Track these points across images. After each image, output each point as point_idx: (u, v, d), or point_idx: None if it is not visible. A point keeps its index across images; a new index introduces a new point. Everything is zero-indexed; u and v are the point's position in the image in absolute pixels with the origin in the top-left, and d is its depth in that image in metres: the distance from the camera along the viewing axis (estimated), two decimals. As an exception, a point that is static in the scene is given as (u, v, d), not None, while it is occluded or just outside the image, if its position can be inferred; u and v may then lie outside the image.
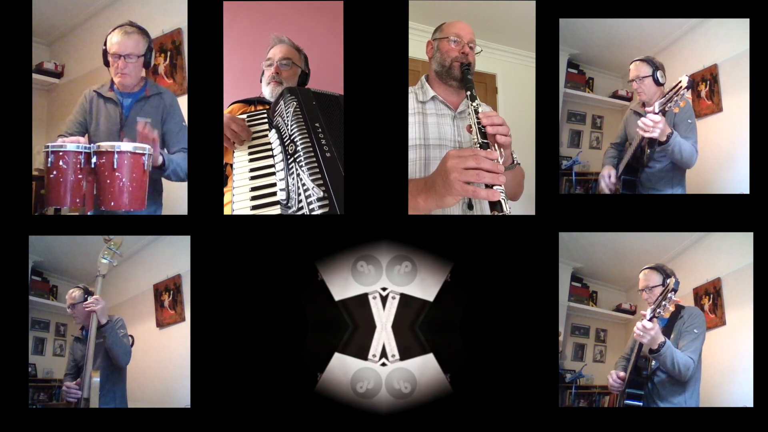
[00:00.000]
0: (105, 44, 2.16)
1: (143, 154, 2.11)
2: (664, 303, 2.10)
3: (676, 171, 2.18)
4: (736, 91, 2.17)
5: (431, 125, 2.12)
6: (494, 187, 1.79)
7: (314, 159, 2.00)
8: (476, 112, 1.94)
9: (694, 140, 2.18)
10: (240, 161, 2.20)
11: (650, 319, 2.11)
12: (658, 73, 2.17)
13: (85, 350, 2.14)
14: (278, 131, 2.18)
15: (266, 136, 2.28)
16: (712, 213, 2.15)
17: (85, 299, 2.16)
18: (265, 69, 2.38)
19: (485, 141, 1.89)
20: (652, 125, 2.11)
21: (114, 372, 2.16)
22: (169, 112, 2.17)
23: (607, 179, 2.21)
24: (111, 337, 2.15)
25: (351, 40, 2.15)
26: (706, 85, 2.19)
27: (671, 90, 2.10)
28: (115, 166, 2.08)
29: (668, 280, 2.11)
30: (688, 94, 2.11)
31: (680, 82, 2.09)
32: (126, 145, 2.10)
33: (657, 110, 2.11)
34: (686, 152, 2.16)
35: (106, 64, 2.18)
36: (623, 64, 2.21)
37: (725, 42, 2.18)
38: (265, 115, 2.34)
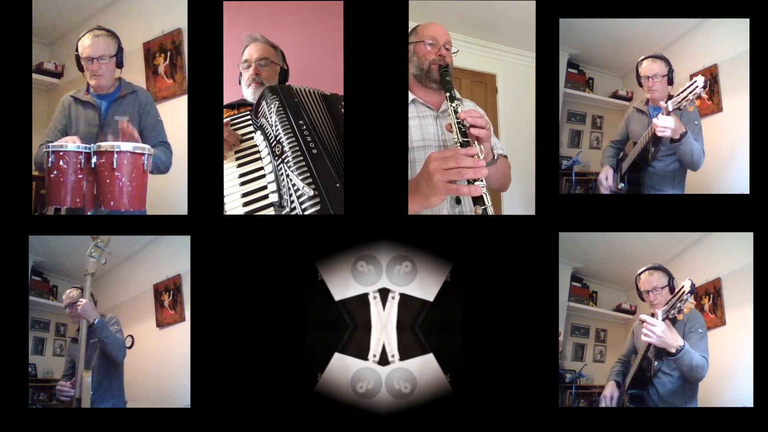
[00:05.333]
0: (77, 50, 2.17)
1: (143, 154, 2.11)
2: (679, 305, 2.09)
3: (679, 171, 2.19)
4: (736, 91, 2.17)
5: (413, 128, 2.13)
6: (476, 183, 1.86)
7: (302, 158, 2.00)
8: (455, 112, 1.96)
9: (701, 143, 2.18)
10: (228, 166, 2.21)
11: (663, 320, 2.10)
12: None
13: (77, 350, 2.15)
14: (263, 132, 2.17)
15: (251, 138, 2.28)
16: (712, 213, 2.15)
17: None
18: (243, 71, 2.35)
19: (466, 140, 1.93)
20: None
21: (111, 369, 2.16)
22: (145, 108, 2.19)
23: (605, 182, 2.22)
24: (102, 335, 2.14)
25: (351, 40, 2.15)
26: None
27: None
28: (115, 166, 2.08)
29: (684, 282, 2.10)
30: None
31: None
32: (126, 145, 2.10)
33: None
34: (696, 153, 2.17)
35: (80, 68, 2.18)
36: (623, 64, 2.21)
37: (725, 42, 2.18)
38: (249, 118, 2.34)
